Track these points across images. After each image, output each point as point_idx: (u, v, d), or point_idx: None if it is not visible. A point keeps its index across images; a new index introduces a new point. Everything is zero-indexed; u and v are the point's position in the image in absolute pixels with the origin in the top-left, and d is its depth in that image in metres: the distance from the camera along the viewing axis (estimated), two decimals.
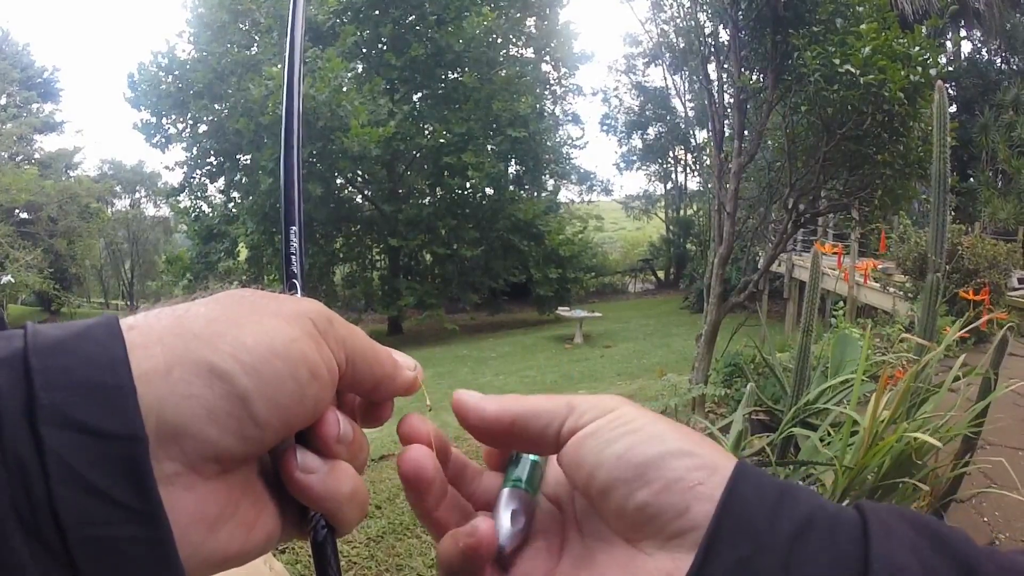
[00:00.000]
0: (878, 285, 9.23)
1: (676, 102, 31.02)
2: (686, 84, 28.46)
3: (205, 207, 23.75)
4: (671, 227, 32.17)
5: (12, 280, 19.35)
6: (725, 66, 4.31)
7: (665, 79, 31.22)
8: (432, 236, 22.02)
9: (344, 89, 19.03)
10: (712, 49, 4.43)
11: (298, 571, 2.50)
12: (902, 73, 3.22)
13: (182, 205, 23.90)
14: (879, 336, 4.27)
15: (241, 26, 21.03)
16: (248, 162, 21.23)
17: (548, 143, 25.44)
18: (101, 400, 0.26)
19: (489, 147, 22.61)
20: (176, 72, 21.13)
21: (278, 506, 0.34)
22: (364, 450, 0.38)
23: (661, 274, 33.31)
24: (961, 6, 17.16)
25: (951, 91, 17.71)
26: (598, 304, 26.40)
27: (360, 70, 22.23)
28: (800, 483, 0.36)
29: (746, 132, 4.06)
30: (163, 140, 22.44)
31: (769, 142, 4.45)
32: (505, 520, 0.37)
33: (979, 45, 20.23)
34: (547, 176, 27.17)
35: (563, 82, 29.65)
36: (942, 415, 1.90)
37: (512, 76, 23.33)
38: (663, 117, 31.72)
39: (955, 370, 1.85)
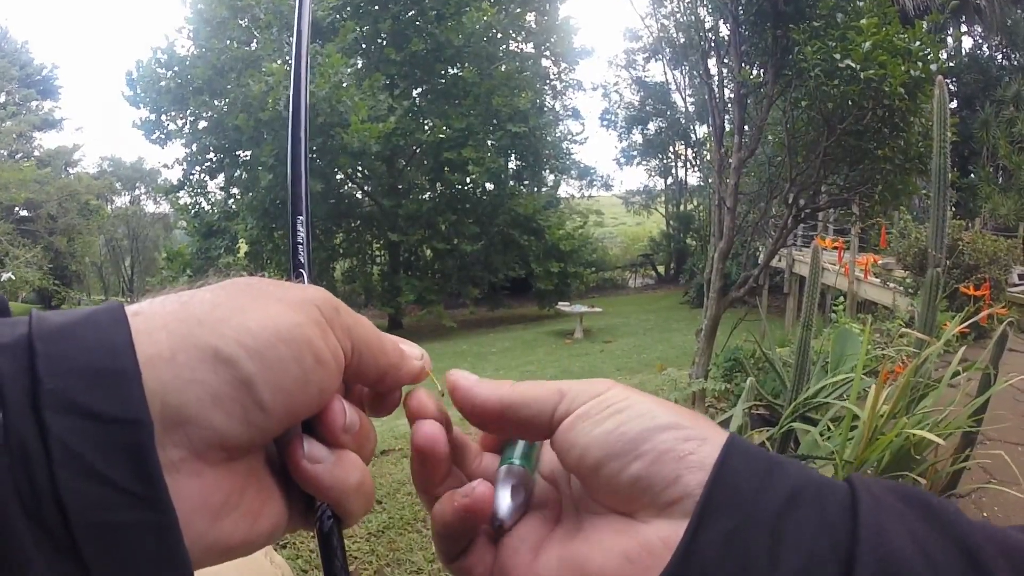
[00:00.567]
0: (878, 280, 9.23)
1: (676, 97, 31.02)
2: (686, 79, 28.41)
3: (205, 203, 23.74)
4: (671, 222, 32.18)
5: (12, 277, 19.36)
6: (725, 61, 4.31)
7: (665, 74, 31.24)
8: (432, 231, 22.03)
9: (344, 85, 19.00)
10: (712, 44, 4.42)
11: (299, 566, 2.51)
12: (902, 68, 3.22)
13: (182, 202, 23.88)
14: (879, 331, 4.27)
15: (240, 22, 20.97)
16: (248, 158, 21.19)
17: (548, 138, 25.41)
18: (105, 385, 0.26)
19: (489, 142, 22.60)
20: (175, 68, 21.10)
21: (284, 496, 0.34)
22: (371, 440, 0.38)
23: (661, 269, 33.33)
24: (962, 2, 17.14)
25: (952, 87, 17.67)
26: (598, 299, 26.41)
27: (360, 66, 22.19)
28: (790, 457, 0.36)
29: (746, 127, 4.06)
30: (162, 137, 22.41)
31: (769, 137, 4.45)
32: (504, 495, 0.37)
33: (980, 41, 20.22)
34: (547, 171, 27.16)
35: (563, 77, 29.62)
36: (942, 410, 1.90)
37: (512, 71, 23.29)
38: (663, 112, 31.69)
39: (954, 365, 1.85)
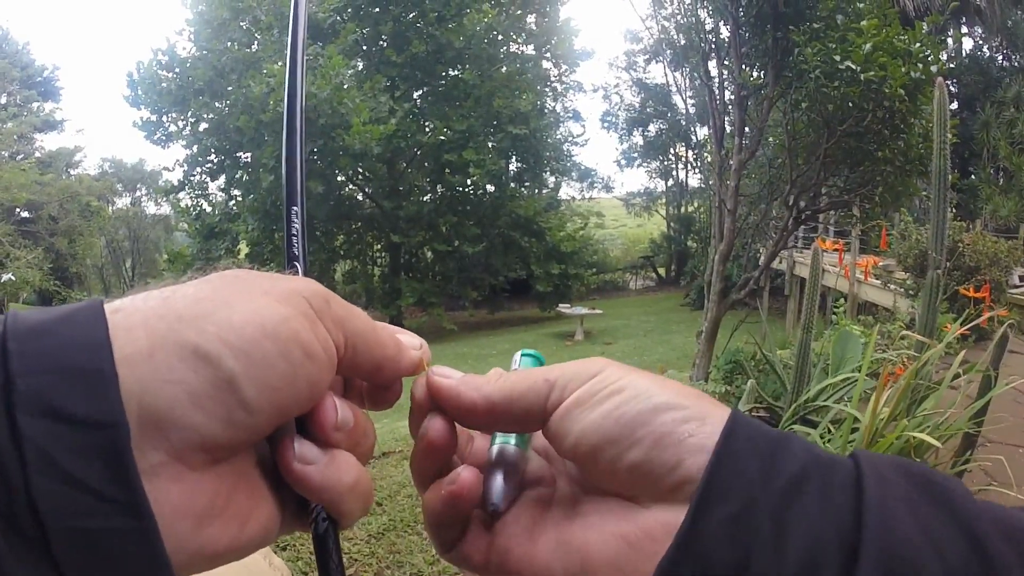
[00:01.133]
0: (879, 282, 9.22)
1: (677, 99, 31.02)
2: (687, 81, 28.46)
3: (206, 205, 23.72)
4: (672, 224, 32.16)
5: (13, 278, 19.34)
6: (726, 63, 4.31)
7: (666, 76, 31.19)
8: (433, 233, 22.04)
9: (345, 87, 19.02)
10: (713, 46, 4.42)
11: (299, 568, 2.50)
12: (903, 70, 3.22)
13: (183, 203, 23.89)
14: (880, 333, 4.27)
15: (241, 24, 21.00)
16: (249, 160, 21.22)
17: (549, 140, 25.44)
18: (81, 385, 0.25)
19: (490, 144, 22.62)
20: (176, 70, 21.12)
21: (277, 497, 0.33)
22: (369, 438, 0.36)
23: (662, 271, 33.30)
24: (962, 3, 17.12)
25: (952, 88, 17.67)
26: (599, 301, 26.41)
27: (361, 67, 22.21)
28: (794, 434, 0.35)
29: (747, 129, 4.06)
30: (163, 138, 22.41)
31: (770, 139, 4.45)
32: (497, 478, 0.36)
33: (980, 42, 20.20)
34: (548, 173, 27.17)
35: (564, 79, 29.62)
36: (942, 412, 1.90)
37: (513, 73, 23.32)
38: (664, 114, 31.70)
39: (955, 367, 1.85)
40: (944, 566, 0.27)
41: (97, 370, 0.25)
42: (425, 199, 23.30)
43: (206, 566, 0.29)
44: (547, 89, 27.70)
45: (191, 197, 23.82)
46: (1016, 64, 18.79)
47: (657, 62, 31.48)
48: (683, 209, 31.85)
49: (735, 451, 0.30)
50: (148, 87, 21.16)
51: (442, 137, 21.55)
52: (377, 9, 21.43)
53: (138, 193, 35.67)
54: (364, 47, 22.39)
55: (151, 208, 35.68)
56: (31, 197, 20.66)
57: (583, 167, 33.47)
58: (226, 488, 0.30)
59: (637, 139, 33.68)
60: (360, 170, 21.80)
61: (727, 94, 4.37)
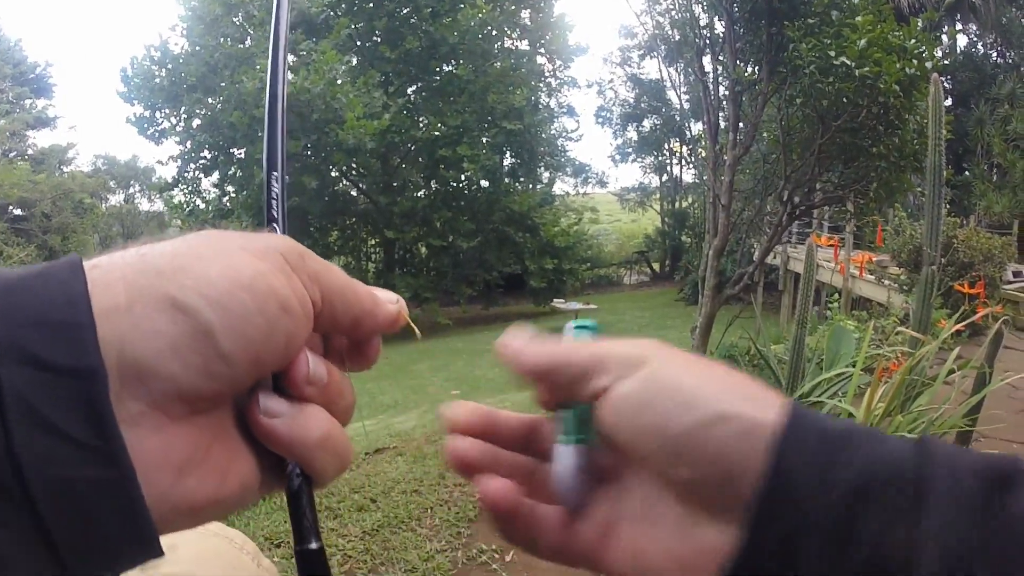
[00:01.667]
0: (873, 277, 9.26)
1: (671, 94, 31.04)
2: (681, 76, 28.46)
3: (199, 201, 23.63)
4: (666, 219, 32.20)
5: None
6: (720, 58, 4.30)
7: (660, 71, 31.21)
8: (427, 228, 22.03)
9: (338, 82, 18.99)
10: (707, 41, 4.42)
11: (295, 565, 2.50)
12: (897, 66, 3.22)
13: (176, 200, 23.79)
14: (874, 328, 4.27)
15: (234, 19, 20.96)
16: (242, 156, 21.14)
17: (543, 135, 25.44)
18: (59, 336, 0.25)
19: (484, 139, 22.62)
20: (169, 66, 21.02)
21: (255, 454, 0.33)
22: (346, 397, 0.36)
23: (656, 266, 33.37)
24: (956, 0, 17.19)
25: (946, 85, 17.69)
26: (593, 296, 26.46)
27: (354, 63, 22.17)
28: (855, 425, 0.34)
29: (741, 124, 4.06)
30: (156, 134, 22.29)
31: (764, 134, 4.45)
32: (562, 476, 0.36)
33: (975, 39, 20.26)
34: (542, 168, 27.18)
35: (558, 74, 29.59)
36: (937, 408, 1.90)
37: (507, 68, 23.31)
38: (658, 109, 31.72)
39: (949, 363, 1.85)
40: None
41: (75, 322, 0.26)
42: (419, 194, 23.27)
43: (187, 520, 0.30)
44: (541, 84, 27.68)
45: (185, 194, 23.74)
46: (1010, 61, 18.85)
47: (651, 57, 31.53)
48: (677, 204, 31.89)
49: (788, 468, 0.30)
50: (141, 83, 21.07)
51: (436, 132, 21.54)
52: (371, 4, 21.40)
53: (131, 190, 35.57)
54: (358, 42, 22.35)
55: (144, 205, 35.56)
56: (24, 195, 20.59)
57: (577, 162, 33.45)
58: (205, 440, 0.30)
59: (631, 134, 33.71)
60: (354, 165, 21.79)
61: (721, 89, 4.36)
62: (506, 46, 24.77)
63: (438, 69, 22.91)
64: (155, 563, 0.85)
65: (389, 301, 0.38)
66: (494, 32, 23.31)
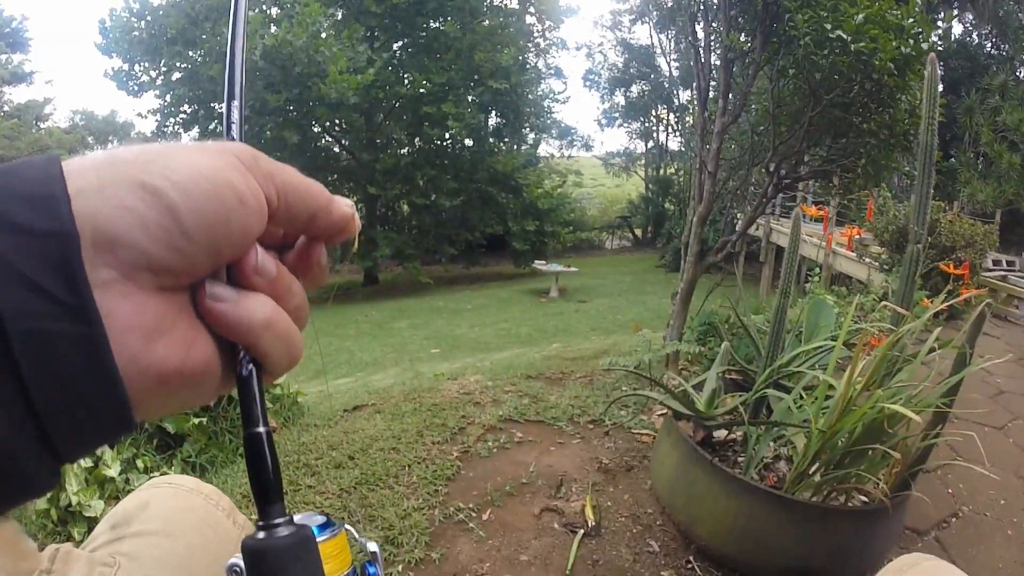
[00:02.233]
0: (854, 255, 9.35)
1: (661, 61, 30.88)
2: (671, 43, 28.29)
3: None
4: (650, 185, 32.22)
5: None
6: (713, 25, 4.25)
7: (651, 37, 31.04)
8: (410, 186, 21.87)
9: (322, 35, 18.67)
10: (701, 7, 4.36)
11: None
12: (893, 44, 3.20)
13: None
14: (852, 304, 4.32)
15: None
16: (223, 110, 20.75)
17: (530, 96, 25.22)
18: (37, 206, 0.28)
19: (470, 98, 22.41)
20: (148, 17, 20.50)
21: (216, 344, 0.35)
22: (296, 296, 0.39)
23: (639, 232, 33.45)
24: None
25: (939, 70, 17.67)
26: (574, 259, 26.50)
27: (339, 16, 21.77)
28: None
29: (731, 94, 4.03)
30: (135, 88, 21.85)
31: (753, 106, 4.43)
32: None
33: (970, 28, 20.20)
34: (527, 129, 27.02)
35: (547, 35, 29.29)
36: (916, 385, 1.93)
37: (495, 27, 22.98)
38: (647, 75, 31.54)
39: (931, 341, 1.88)
40: None
41: (51, 194, 0.28)
42: (403, 152, 23.08)
43: (156, 386, 0.31)
44: (530, 45, 27.39)
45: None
46: (1004, 53, 18.85)
47: (643, 23, 31.24)
48: (662, 171, 31.88)
49: None
50: (120, 35, 20.56)
51: (421, 89, 21.30)
52: None
53: (110, 145, 34.87)
54: None
55: None
56: (0, 152, 20.18)
57: (563, 125, 33.33)
58: (172, 313, 0.32)
59: (619, 99, 33.56)
60: (337, 121, 21.51)
61: (713, 57, 4.32)
62: (495, 4, 24.41)
63: (425, 25, 22.54)
64: (126, 522, 0.84)
65: (344, 203, 0.41)
66: None
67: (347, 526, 0.51)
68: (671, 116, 31.44)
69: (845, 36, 3.16)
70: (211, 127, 21.80)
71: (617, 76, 32.87)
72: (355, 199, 23.85)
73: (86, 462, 2.53)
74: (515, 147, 26.26)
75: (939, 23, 16.41)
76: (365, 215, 24.00)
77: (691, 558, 2.22)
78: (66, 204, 0.28)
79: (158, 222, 0.31)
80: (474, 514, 2.46)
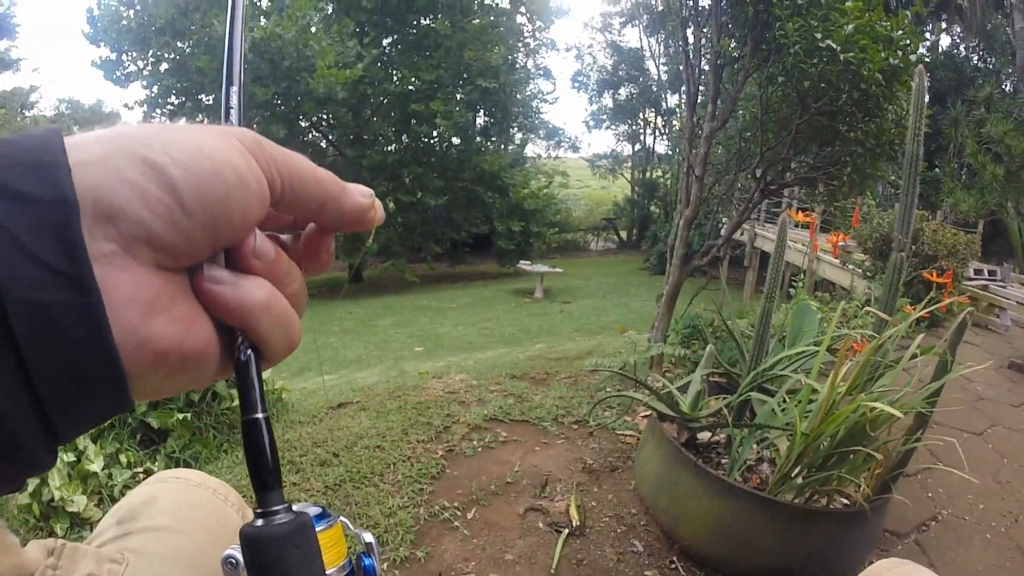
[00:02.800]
0: (837, 261, 9.43)
1: (650, 64, 30.98)
2: (661, 47, 28.36)
3: None
4: (636, 188, 32.30)
5: None
6: (704, 31, 4.28)
7: (641, 40, 31.18)
8: (396, 183, 21.81)
9: (312, 29, 18.55)
10: (692, 12, 4.38)
11: None
12: (882, 55, 3.23)
13: None
14: (836, 309, 4.36)
15: None
16: (211, 102, 20.64)
17: (518, 96, 25.20)
18: (38, 175, 0.28)
19: (458, 96, 22.38)
20: (137, 7, 20.26)
21: (215, 327, 0.35)
22: (294, 281, 0.39)
23: (624, 234, 33.53)
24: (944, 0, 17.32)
25: (926, 82, 17.83)
26: (559, 260, 26.54)
27: (329, 10, 21.65)
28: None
29: (720, 100, 4.06)
30: (123, 78, 21.54)
31: (741, 111, 4.45)
32: None
33: (958, 40, 20.38)
34: (515, 129, 27.00)
35: (537, 35, 29.26)
36: (898, 390, 1.96)
37: (485, 25, 22.94)
38: (636, 78, 31.63)
39: (913, 347, 1.91)
40: None
41: (52, 162, 0.28)
42: (390, 149, 23.01)
43: (153, 362, 0.31)
44: (520, 44, 27.36)
45: None
46: (991, 66, 19.04)
47: (633, 26, 31.37)
48: (648, 174, 31.98)
49: None
50: (108, 24, 20.29)
51: (410, 86, 21.24)
52: None
53: None
54: None
55: None
56: None
57: (551, 125, 33.35)
58: (171, 291, 0.32)
59: (607, 101, 33.65)
60: (324, 116, 21.41)
61: (703, 62, 4.34)
62: (486, 2, 24.34)
63: (415, 22, 22.49)
64: (133, 517, 0.83)
65: (360, 194, 0.41)
66: None
67: (342, 518, 0.51)
68: (659, 119, 31.58)
69: (835, 45, 3.20)
70: (198, 118, 21.59)
71: (606, 78, 32.95)
72: None
73: (68, 456, 2.52)
74: (502, 147, 26.25)
75: (927, 35, 16.55)
76: None
77: (674, 558, 2.24)
78: (67, 173, 0.28)
79: (159, 197, 0.31)
80: (459, 513, 2.47)
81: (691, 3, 4.42)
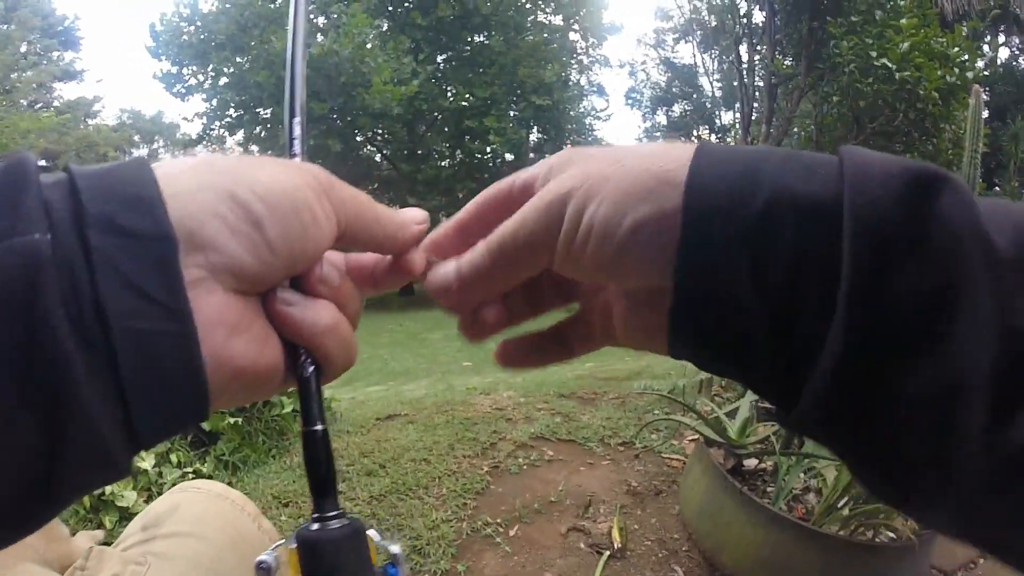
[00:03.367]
0: None
1: (703, 81, 30.70)
2: (715, 63, 28.14)
3: None
4: None
5: None
6: (757, 48, 4.24)
7: (694, 57, 30.79)
8: (450, 198, 21.98)
9: (368, 46, 18.87)
10: (745, 30, 4.36)
11: (299, 525, 2.55)
12: (939, 73, 3.18)
13: None
14: None
15: None
16: (268, 116, 21.13)
17: (572, 113, 25.21)
18: (138, 209, 0.30)
19: (512, 113, 22.47)
20: (198, 23, 20.92)
21: (282, 345, 0.38)
22: (354, 302, 0.42)
23: None
24: (1002, 10, 16.80)
25: (984, 96, 17.31)
26: None
27: (385, 28, 22.01)
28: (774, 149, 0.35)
29: (775, 118, 4.01)
30: (183, 91, 22.26)
31: (796, 129, 4.39)
32: None
33: (1017, 52, 19.79)
34: (569, 146, 26.92)
35: (590, 52, 29.19)
36: None
37: (539, 43, 23.04)
38: (689, 95, 31.39)
39: None
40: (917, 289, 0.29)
41: (151, 198, 0.30)
42: (443, 164, 23.21)
43: (231, 379, 0.34)
44: (573, 61, 27.37)
45: (209, 151, 23.72)
46: None
47: (686, 42, 31.09)
48: None
49: (697, 219, 0.33)
50: (169, 39, 21.00)
51: (464, 103, 21.42)
52: None
53: (156, 145, 35.56)
54: (389, 7, 22.15)
55: (168, 160, 35.61)
56: (49, 146, 20.71)
57: (605, 142, 33.21)
58: (249, 314, 0.35)
59: (661, 118, 33.43)
60: (379, 131, 21.71)
61: (756, 80, 4.29)
62: (539, 20, 24.45)
63: (469, 39, 22.70)
64: (157, 523, 0.89)
65: (415, 221, 0.44)
66: (528, 5, 23.01)
67: (371, 528, 0.54)
68: (713, 137, 31.23)
69: (890, 64, 3.16)
70: (256, 131, 22.16)
71: (659, 95, 32.78)
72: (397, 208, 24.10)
73: None
74: None
75: (985, 48, 16.08)
76: None
77: None
78: (163, 208, 0.31)
79: (245, 232, 0.33)
80: (501, 529, 2.48)
81: (744, 20, 4.37)
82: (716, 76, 28.34)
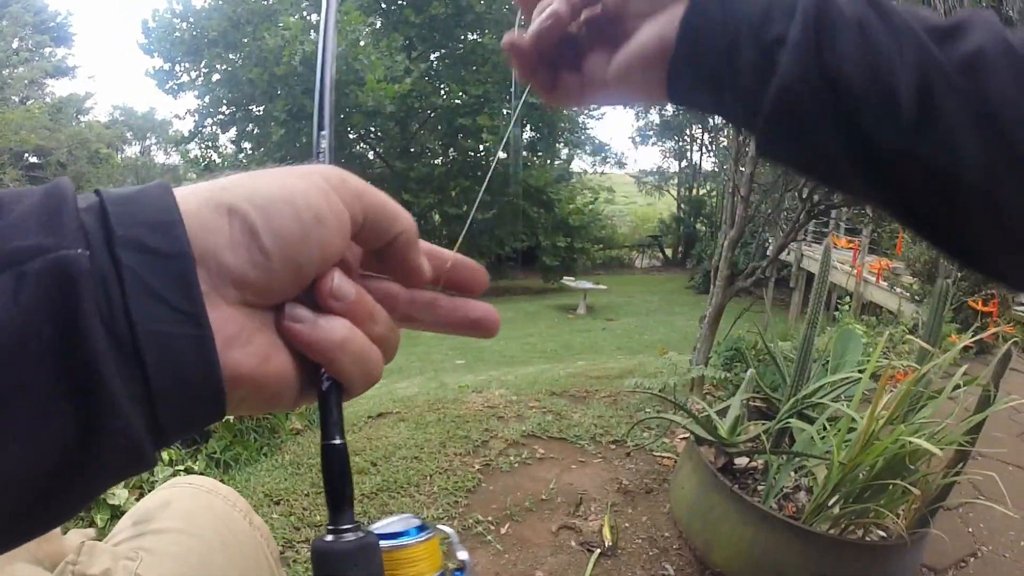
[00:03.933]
0: (885, 284, 9.22)
1: None
2: None
3: (216, 156, 23.62)
4: (682, 205, 32.00)
5: None
6: None
7: None
8: (443, 196, 22.01)
9: (361, 43, 18.87)
10: None
11: (292, 523, 2.55)
12: None
13: (192, 154, 23.77)
14: (882, 335, 4.25)
15: None
16: (260, 113, 21.12)
17: (564, 111, 25.15)
18: (161, 231, 0.33)
19: (505, 111, 22.49)
20: (191, 19, 20.90)
21: (297, 359, 0.38)
22: (378, 323, 0.41)
23: (669, 252, 33.20)
24: (995, 12, 16.90)
25: None
26: (603, 276, 26.37)
27: (378, 25, 22.02)
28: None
29: None
30: (175, 87, 22.27)
31: None
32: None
33: None
34: (561, 144, 27.02)
35: None
36: (939, 422, 1.92)
37: None
38: None
39: (956, 378, 1.86)
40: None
41: (172, 220, 0.33)
42: (436, 162, 23.23)
43: (231, 384, 0.35)
44: None
45: (201, 148, 23.73)
46: None
47: None
48: (694, 191, 31.67)
49: None
50: (162, 36, 20.98)
51: (457, 101, 21.46)
52: None
53: (148, 142, 35.32)
54: (382, 5, 22.16)
55: (160, 157, 35.23)
56: (40, 142, 20.59)
57: (597, 141, 33.19)
58: (250, 328, 0.36)
59: (653, 117, 33.39)
60: (372, 128, 21.73)
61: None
62: None
63: (463, 37, 22.72)
64: (148, 518, 0.90)
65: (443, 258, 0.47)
66: None
67: (449, 530, 0.56)
68: (705, 136, 31.29)
69: None
70: (248, 128, 22.12)
71: None
72: None
73: None
74: (548, 162, 26.29)
75: None
76: None
77: None
78: (183, 229, 0.33)
79: (241, 242, 0.35)
80: (492, 527, 2.48)
81: None
82: None
